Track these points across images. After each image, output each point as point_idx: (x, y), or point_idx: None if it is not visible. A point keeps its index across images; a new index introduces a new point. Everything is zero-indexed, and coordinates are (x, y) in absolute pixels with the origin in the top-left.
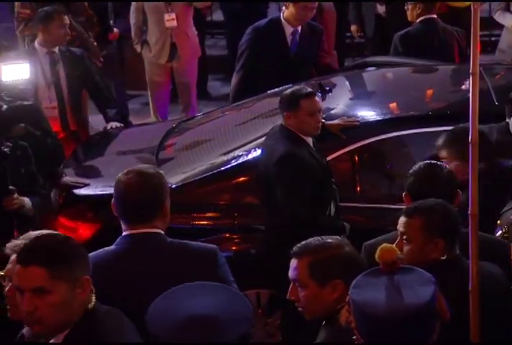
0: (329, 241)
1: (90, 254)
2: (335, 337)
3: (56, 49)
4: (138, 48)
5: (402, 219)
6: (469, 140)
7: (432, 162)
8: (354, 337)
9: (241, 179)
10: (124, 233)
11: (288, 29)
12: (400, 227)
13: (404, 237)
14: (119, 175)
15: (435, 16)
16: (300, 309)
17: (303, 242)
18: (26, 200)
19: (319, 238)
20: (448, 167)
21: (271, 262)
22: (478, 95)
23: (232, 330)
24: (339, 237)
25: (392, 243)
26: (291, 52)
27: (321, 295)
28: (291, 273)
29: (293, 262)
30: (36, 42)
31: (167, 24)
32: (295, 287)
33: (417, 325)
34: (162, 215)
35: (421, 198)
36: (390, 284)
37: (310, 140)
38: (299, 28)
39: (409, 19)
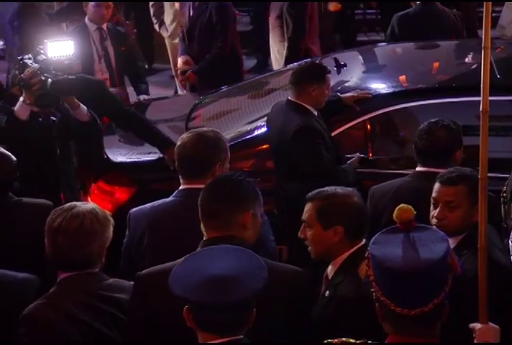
0: (340, 190)
1: (150, 204)
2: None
3: (104, 26)
4: (157, 28)
5: (443, 188)
6: (480, 109)
7: (435, 120)
8: (373, 289)
9: (264, 147)
10: (180, 187)
11: None
12: (444, 196)
13: (452, 205)
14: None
15: None
16: (308, 248)
17: (318, 190)
18: None
19: (333, 187)
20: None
21: (283, 222)
22: (481, 67)
23: (248, 288)
24: (350, 188)
25: (395, 188)
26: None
27: (323, 237)
28: (303, 215)
29: (307, 206)
30: (86, 18)
31: (177, 6)
32: (305, 227)
33: (431, 278)
34: (212, 174)
35: (424, 153)
36: (407, 241)
37: (315, 112)
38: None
39: None
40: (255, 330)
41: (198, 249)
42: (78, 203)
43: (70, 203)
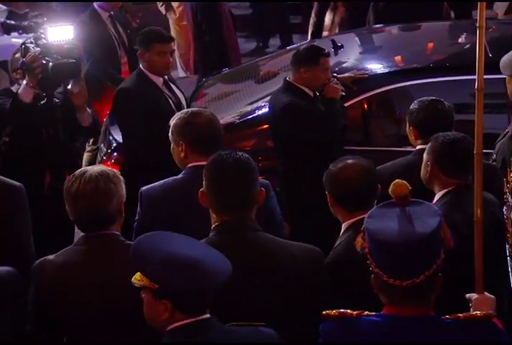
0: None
1: (161, 181)
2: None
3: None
4: (163, 10)
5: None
6: (476, 87)
7: (434, 98)
8: (368, 261)
9: (265, 126)
10: (189, 165)
11: None
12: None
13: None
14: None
15: None
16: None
17: (339, 159)
18: None
19: (350, 157)
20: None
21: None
22: (473, 47)
23: (219, 275)
24: (361, 157)
25: (403, 167)
26: None
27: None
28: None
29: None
30: (96, 5)
31: None
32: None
33: (424, 250)
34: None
35: (428, 131)
36: (402, 215)
37: (311, 93)
38: None
39: None
40: (279, 308)
41: (212, 233)
42: (87, 168)
43: (80, 169)
